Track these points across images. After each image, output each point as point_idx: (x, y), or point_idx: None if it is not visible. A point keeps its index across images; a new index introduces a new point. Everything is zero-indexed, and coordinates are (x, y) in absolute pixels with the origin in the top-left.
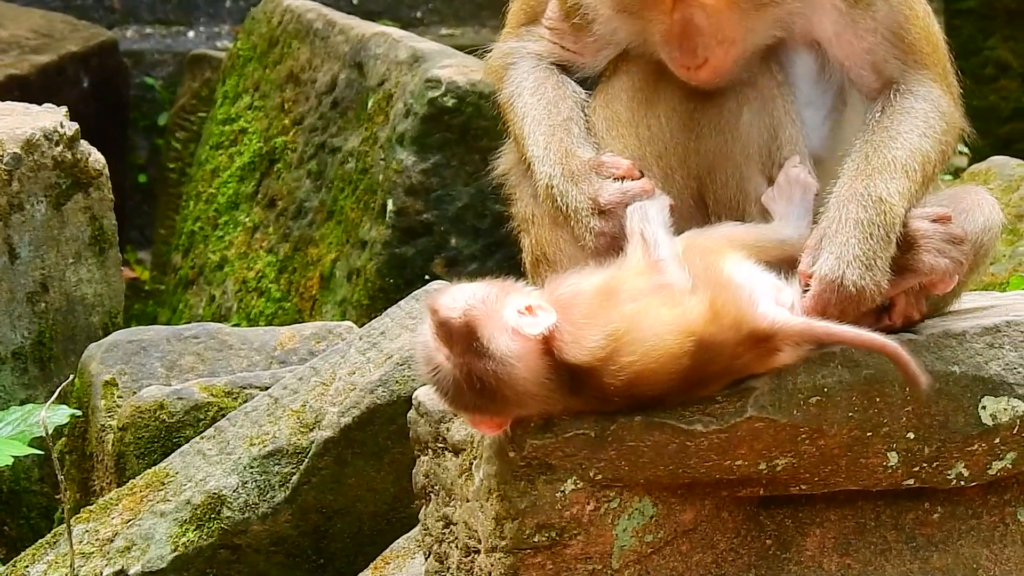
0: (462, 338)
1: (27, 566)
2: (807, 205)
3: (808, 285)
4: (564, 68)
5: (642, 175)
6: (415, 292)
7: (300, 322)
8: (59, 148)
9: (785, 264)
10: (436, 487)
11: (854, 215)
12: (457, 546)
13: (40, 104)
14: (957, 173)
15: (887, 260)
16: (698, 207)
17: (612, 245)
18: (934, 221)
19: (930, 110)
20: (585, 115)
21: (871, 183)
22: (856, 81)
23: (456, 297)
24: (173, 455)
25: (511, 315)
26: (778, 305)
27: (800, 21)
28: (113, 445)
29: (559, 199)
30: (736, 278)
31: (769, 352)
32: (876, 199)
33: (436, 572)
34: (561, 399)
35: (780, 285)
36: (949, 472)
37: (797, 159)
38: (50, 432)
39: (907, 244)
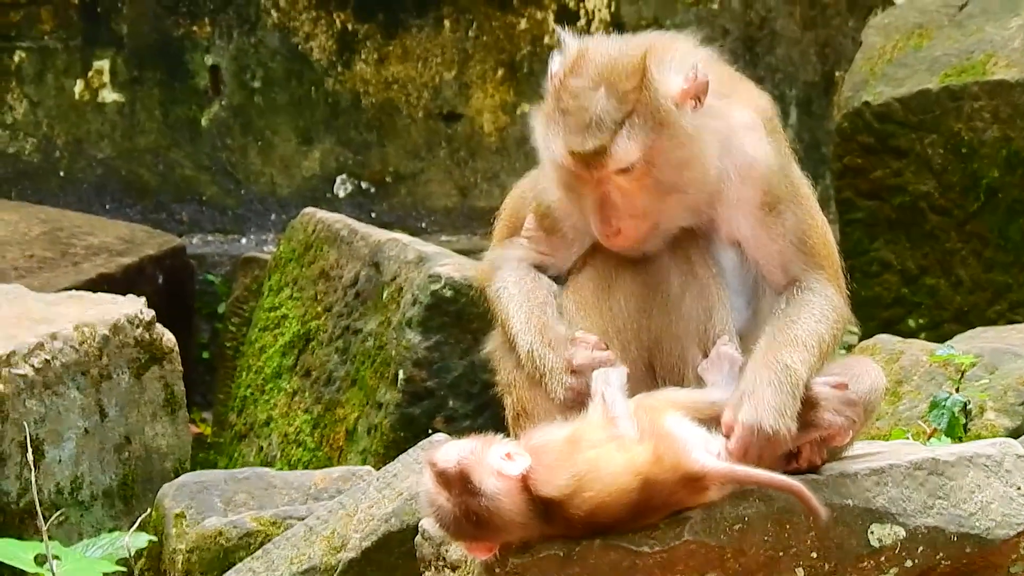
0: (458, 482)
1: None
2: (734, 374)
3: (731, 434)
4: (540, 268)
5: (607, 348)
6: (420, 443)
7: (330, 467)
8: (139, 330)
9: (714, 422)
10: None
11: (766, 377)
12: None
13: (124, 296)
14: (849, 348)
15: (795, 410)
16: (648, 373)
17: (578, 400)
18: (833, 387)
19: (824, 303)
20: (557, 301)
21: (779, 354)
22: (767, 277)
23: (450, 452)
24: (229, 572)
25: (495, 460)
26: (708, 453)
27: (717, 218)
28: (182, 565)
29: (538, 361)
30: (675, 431)
31: (700, 490)
32: (783, 365)
33: None
34: (537, 527)
35: (710, 437)
36: None
37: (727, 337)
38: (132, 554)
39: (811, 405)
